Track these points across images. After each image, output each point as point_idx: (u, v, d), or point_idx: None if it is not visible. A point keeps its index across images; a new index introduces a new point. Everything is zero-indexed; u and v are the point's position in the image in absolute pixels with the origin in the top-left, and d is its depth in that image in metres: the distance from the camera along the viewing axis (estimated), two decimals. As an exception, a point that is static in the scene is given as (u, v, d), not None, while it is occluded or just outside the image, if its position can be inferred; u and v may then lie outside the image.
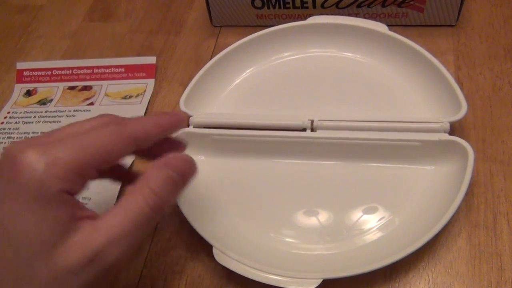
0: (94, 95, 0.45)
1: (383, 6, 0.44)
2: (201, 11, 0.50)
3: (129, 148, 0.26)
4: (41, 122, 0.44)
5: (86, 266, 0.22)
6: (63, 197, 0.23)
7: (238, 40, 0.42)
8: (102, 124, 0.25)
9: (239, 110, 0.41)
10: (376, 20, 0.42)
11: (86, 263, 0.22)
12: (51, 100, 0.46)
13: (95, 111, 0.44)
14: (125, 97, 0.45)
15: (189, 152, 0.38)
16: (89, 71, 0.47)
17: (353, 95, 0.40)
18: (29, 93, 0.47)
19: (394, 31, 0.41)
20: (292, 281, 0.29)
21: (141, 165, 0.38)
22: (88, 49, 0.50)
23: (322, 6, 0.45)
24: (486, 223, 0.33)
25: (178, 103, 0.39)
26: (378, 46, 0.41)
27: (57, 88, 0.47)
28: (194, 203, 0.35)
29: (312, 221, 0.34)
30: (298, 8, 0.45)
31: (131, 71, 0.46)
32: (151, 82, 0.45)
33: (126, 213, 0.24)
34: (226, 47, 0.42)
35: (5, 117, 0.45)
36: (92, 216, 0.24)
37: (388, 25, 0.41)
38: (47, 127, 0.43)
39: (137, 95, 0.45)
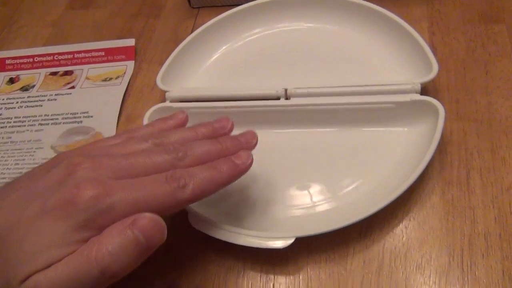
0: (75, 79, 0.46)
1: (357, -23, 0.44)
2: (180, -6, 0.51)
3: (176, 210, 0.26)
4: (23, 107, 0.45)
5: None
6: (77, 245, 0.23)
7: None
8: (163, 179, 0.25)
9: (216, 84, 0.41)
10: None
11: None
12: (34, 86, 0.47)
13: (76, 94, 0.45)
14: (105, 80, 0.45)
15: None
16: (70, 56, 0.48)
17: (327, 63, 0.40)
18: (12, 81, 0.48)
19: (369, 1, 0.41)
20: (264, 240, 0.30)
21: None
22: (70, 36, 0.51)
23: (296, -19, 0.45)
24: (459, 179, 0.33)
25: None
26: (351, 15, 0.41)
27: (39, 75, 0.47)
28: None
29: (288, 185, 0.34)
30: (273, -16, 0.46)
31: (111, 54, 0.47)
32: (130, 64, 0.46)
33: (73, 269, 0.22)
34: (203, 26, 0.43)
35: (-12, 105, 0.46)
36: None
37: (363, -4, 0.42)
38: (29, 112, 0.44)
39: (117, 77, 0.45)
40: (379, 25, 0.40)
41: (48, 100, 0.45)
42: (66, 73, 0.47)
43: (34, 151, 0.40)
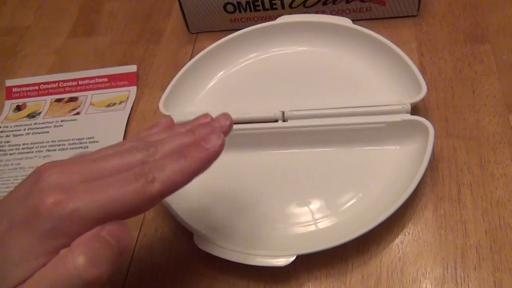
0: (80, 105, 0.48)
1: (347, 2, 0.46)
2: (178, 20, 0.52)
3: (151, 207, 0.25)
4: (31, 134, 0.46)
5: None
6: (47, 256, 0.22)
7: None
8: (132, 176, 0.24)
9: (216, 108, 0.43)
10: (342, 16, 0.45)
11: None
12: (40, 113, 0.48)
13: (81, 120, 0.46)
14: (109, 105, 0.47)
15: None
16: (74, 83, 0.49)
17: (321, 85, 0.42)
18: (18, 108, 0.49)
19: (360, 25, 0.43)
20: (266, 259, 0.31)
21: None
22: (73, 63, 0.52)
23: (290, 6, 0.47)
24: (450, 194, 0.35)
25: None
26: (343, 39, 0.43)
27: (45, 102, 0.49)
28: (176, 197, 0.36)
29: (287, 204, 0.36)
30: (268, 9, 0.48)
31: (114, 80, 0.49)
32: (133, 89, 0.48)
33: (50, 281, 0.22)
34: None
35: (-3, 132, 0.47)
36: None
37: (353, 20, 0.44)
38: (36, 139, 0.46)
39: (121, 102, 0.47)
40: (370, 48, 0.42)
41: (55, 126, 0.46)
42: (71, 99, 0.49)
43: (42, 177, 0.42)
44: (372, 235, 0.33)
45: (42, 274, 0.22)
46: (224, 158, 0.39)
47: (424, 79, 0.38)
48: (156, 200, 0.24)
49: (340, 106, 0.38)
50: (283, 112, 0.39)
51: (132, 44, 0.52)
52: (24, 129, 0.47)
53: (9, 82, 0.51)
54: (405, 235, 0.34)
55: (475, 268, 0.31)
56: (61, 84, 0.50)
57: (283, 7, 0.47)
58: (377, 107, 0.37)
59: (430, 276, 0.31)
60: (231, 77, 0.45)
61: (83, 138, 0.45)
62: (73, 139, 0.45)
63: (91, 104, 0.48)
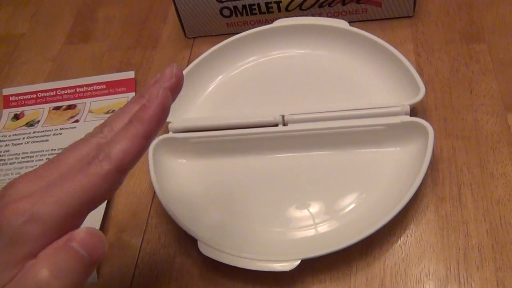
0: (78, 113, 0.48)
1: (343, 4, 0.46)
2: (175, 25, 0.52)
3: (117, 185, 0.23)
4: (30, 142, 0.46)
5: None
6: (13, 268, 0.21)
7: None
8: (86, 162, 0.23)
9: (215, 113, 0.43)
10: (338, 18, 0.45)
11: None
12: (38, 121, 0.48)
13: (81, 128, 0.46)
14: (107, 112, 0.47)
15: (170, 156, 0.40)
16: (72, 90, 0.49)
17: (320, 88, 0.42)
18: (16, 117, 0.49)
19: (356, 27, 0.43)
20: (271, 263, 0.31)
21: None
22: (70, 71, 0.52)
23: (287, 9, 0.47)
24: (451, 194, 0.35)
25: (157, 111, 0.41)
26: (340, 41, 0.43)
27: (43, 110, 0.49)
28: (179, 204, 0.37)
29: (290, 208, 0.36)
30: (264, 13, 0.48)
31: (112, 87, 0.49)
32: (132, 96, 0.48)
33: None
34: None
35: (-5, 141, 0.47)
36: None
37: (350, 22, 0.44)
38: (36, 147, 0.46)
39: (119, 109, 0.47)
40: (367, 50, 0.42)
41: (54, 134, 0.46)
42: (69, 107, 0.49)
43: (43, 186, 0.42)
44: (375, 237, 0.33)
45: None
46: (225, 163, 0.40)
47: (422, 80, 0.38)
48: (113, 177, 0.22)
49: (339, 109, 0.38)
50: (283, 116, 0.39)
51: (129, 50, 0.52)
52: (24, 138, 0.47)
53: (6, 91, 0.51)
54: (407, 236, 0.34)
55: (478, 268, 0.31)
56: (59, 92, 0.50)
57: (279, 10, 0.47)
58: (376, 109, 0.38)
59: (433, 277, 0.32)
60: (230, 81, 0.45)
61: (83, 146, 0.44)
62: (73, 147, 0.45)
63: (89, 111, 0.48)
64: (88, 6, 0.58)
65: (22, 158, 0.45)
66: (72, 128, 0.46)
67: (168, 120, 0.41)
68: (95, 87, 0.49)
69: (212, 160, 0.40)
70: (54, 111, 0.49)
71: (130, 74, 0.49)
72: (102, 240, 0.22)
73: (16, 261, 0.21)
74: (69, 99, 0.49)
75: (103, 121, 0.47)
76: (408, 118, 0.37)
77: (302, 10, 0.47)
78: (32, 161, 0.44)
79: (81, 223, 0.23)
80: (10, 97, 0.50)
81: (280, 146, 0.39)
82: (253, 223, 0.36)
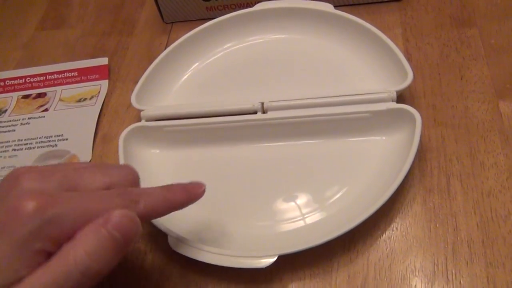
0: (48, 101, 0.45)
1: (329, -14, 0.44)
2: (152, 10, 0.50)
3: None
4: (-4, 132, 0.43)
5: None
6: (36, 258, 0.22)
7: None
8: (113, 192, 0.25)
9: (191, 101, 0.40)
10: (323, 1, 0.42)
11: None
12: (6, 110, 0.45)
13: (50, 116, 0.44)
14: (79, 100, 0.44)
15: (142, 146, 0.38)
16: (42, 78, 0.47)
17: (302, 75, 0.40)
18: (-17, 106, 0.46)
19: (342, 10, 0.41)
20: (245, 260, 0.29)
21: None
22: (42, 58, 0.49)
23: (269, -8, 0.45)
24: (440, 186, 0.33)
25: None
26: (325, 25, 0.41)
27: (11, 98, 0.46)
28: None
29: (268, 201, 0.34)
30: (245, -4, 0.45)
31: (84, 74, 0.46)
32: (105, 83, 0.45)
33: (52, 276, 0.22)
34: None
35: (-41, 132, 0.44)
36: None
37: (335, 6, 0.41)
38: (2, 138, 0.43)
39: (91, 97, 0.44)
40: (353, 34, 0.40)
41: (21, 124, 0.44)
42: (39, 95, 0.46)
43: (7, 178, 0.39)
44: (358, 231, 0.31)
45: (44, 270, 0.22)
46: (201, 153, 0.38)
47: (410, 66, 0.36)
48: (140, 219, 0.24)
49: (322, 96, 0.36)
50: (262, 103, 0.37)
51: (104, 36, 0.50)
52: (-11, 128, 0.44)
53: (-28, 79, 0.48)
54: (392, 230, 0.32)
55: (467, 263, 0.29)
56: (28, 80, 0.47)
57: (261, -7, 0.45)
58: (361, 95, 0.35)
59: (419, 273, 0.30)
60: (207, 68, 0.42)
61: (52, 136, 0.42)
62: (40, 137, 0.42)
63: (60, 99, 0.45)
64: (62, -9, 0.56)
65: (-14, 149, 0.42)
66: (41, 117, 0.44)
67: (140, 107, 0.39)
68: (66, 74, 0.46)
69: (187, 150, 0.38)
70: (23, 99, 0.46)
71: (104, 61, 0.46)
72: (136, 223, 0.23)
73: (35, 252, 0.22)
74: (39, 87, 0.46)
75: (74, 109, 0.45)
76: (394, 105, 0.34)
77: (285, -7, 0.45)
78: (-3, 152, 0.42)
79: None
80: (-24, 85, 0.48)
81: (260, 135, 0.37)
82: (228, 217, 0.34)
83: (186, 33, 0.43)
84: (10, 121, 0.44)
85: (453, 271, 0.29)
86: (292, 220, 0.33)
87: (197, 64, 0.43)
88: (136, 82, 0.40)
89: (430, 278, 0.29)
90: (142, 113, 0.38)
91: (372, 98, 0.35)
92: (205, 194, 0.35)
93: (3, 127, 0.44)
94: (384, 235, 0.32)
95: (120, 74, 0.46)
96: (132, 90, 0.40)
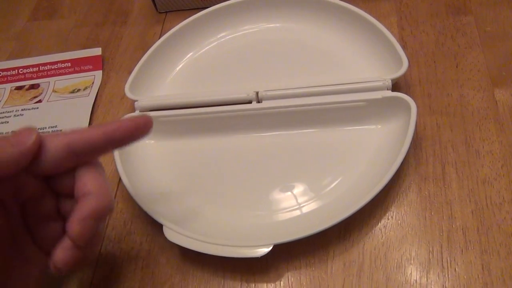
0: (42, 93, 0.45)
1: (323, -26, 0.44)
2: (146, -1, 0.49)
3: (66, 157, 0.24)
4: (-11, 124, 0.43)
5: None
6: None
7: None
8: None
9: (186, 91, 0.40)
10: (318, -11, 0.42)
11: None
12: (-1, 102, 0.45)
13: (43, 108, 0.43)
14: (73, 91, 0.44)
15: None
16: (35, 69, 0.46)
17: (298, 64, 0.39)
18: (-24, 98, 0.46)
19: (337, -2, 0.40)
20: (241, 249, 0.29)
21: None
22: (34, 48, 0.49)
23: (263, -20, 0.44)
24: (435, 174, 0.33)
25: (124, 90, 0.39)
26: (319, 13, 0.41)
27: (4, 90, 0.46)
28: (145, 187, 0.34)
29: (263, 191, 0.34)
30: (240, -15, 0.45)
31: (78, 65, 0.46)
32: (98, 74, 0.45)
33: None
34: (171, 32, 0.42)
35: (-48, 124, 0.44)
36: None
37: (330, -7, 0.41)
38: (-5, 129, 0.43)
39: (85, 88, 0.44)
40: (347, 22, 0.39)
41: (15, 116, 0.43)
42: (32, 86, 0.45)
43: (1, 170, 0.39)
44: (353, 220, 0.31)
45: None
46: (196, 143, 0.37)
47: (405, 54, 0.35)
48: (65, 149, 0.24)
49: (317, 85, 0.36)
50: (257, 93, 0.37)
51: (97, 26, 0.49)
52: (-18, 120, 0.44)
53: (-36, 70, 0.47)
54: (388, 218, 0.32)
55: (462, 251, 0.29)
56: (21, 71, 0.46)
57: (256, -18, 0.44)
58: (356, 84, 0.35)
59: (415, 261, 0.30)
60: (201, 58, 0.42)
61: (46, 127, 0.41)
62: (34, 129, 0.42)
63: (53, 91, 0.44)
64: (54, -19, 0.55)
65: (-20, 141, 0.42)
66: (35, 109, 0.43)
67: (134, 98, 0.38)
68: (59, 65, 0.46)
69: (182, 140, 0.38)
70: (16, 91, 0.46)
71: (97, 51, 0.46)
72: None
73: None
74: (32, 78, 0.46)
75: (67, 100, 0.45)
76: (389, 93, 0.34)
77: (279, -19, 0.44)
78: (-9, 144, 0.41)
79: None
80: (-31, 77, 0.47)
81: (255, 124, 0.37)
82: (224, 207, 0.34)
83: (180, 23, 0.42)
84: (3, 112, 0.44)
85: (448, 259, 0.29)
86: (287, 210, 0.33)
87: (191, 53, 0.42)
88: (130, 73, 0.40)
89: (425, 266, 0.29)
90: (136, 103, 0.38)
91: (367, 87, 0.35)
92: (200, 184, 0.36)
93: (-4, 119, 0.43)
94: (379, 223, 0.32)
95: (114, 65, 0.45)
96: (126, 81, 0.40)
